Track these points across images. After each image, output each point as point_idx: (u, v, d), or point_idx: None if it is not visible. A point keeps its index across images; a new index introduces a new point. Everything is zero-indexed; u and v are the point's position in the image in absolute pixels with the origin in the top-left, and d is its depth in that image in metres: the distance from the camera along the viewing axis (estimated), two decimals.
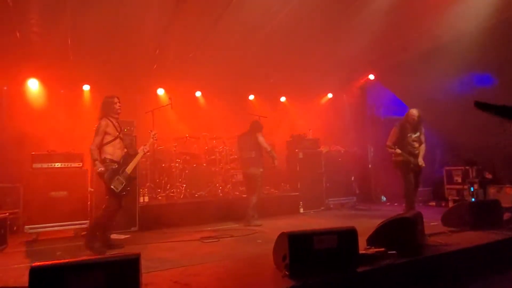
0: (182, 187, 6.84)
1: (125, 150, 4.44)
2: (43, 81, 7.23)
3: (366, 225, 5.03)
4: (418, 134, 5.84)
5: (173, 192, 6.79)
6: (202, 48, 6.96)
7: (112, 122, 4.31)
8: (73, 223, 5.11)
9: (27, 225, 4.87)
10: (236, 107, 9.03)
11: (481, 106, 1.18)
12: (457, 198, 7.14)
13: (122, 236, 5.07)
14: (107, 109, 4.37)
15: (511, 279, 3.44)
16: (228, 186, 7.27)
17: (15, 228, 5.37)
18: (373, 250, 3.20)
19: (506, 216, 4.96)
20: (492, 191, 6.53)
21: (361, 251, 3.07)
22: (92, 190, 5.31)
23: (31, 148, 5.51)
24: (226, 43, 6.88)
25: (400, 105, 8.18)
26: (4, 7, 5.04)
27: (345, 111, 10.13)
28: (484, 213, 4.67)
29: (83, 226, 5.16)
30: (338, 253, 2.79)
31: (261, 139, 5.98)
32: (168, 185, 6.91)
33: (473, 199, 6.49)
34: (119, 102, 4.44)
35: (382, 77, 8.83)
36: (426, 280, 3.07)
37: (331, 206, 7.64)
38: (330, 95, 10.16)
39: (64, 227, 5.05)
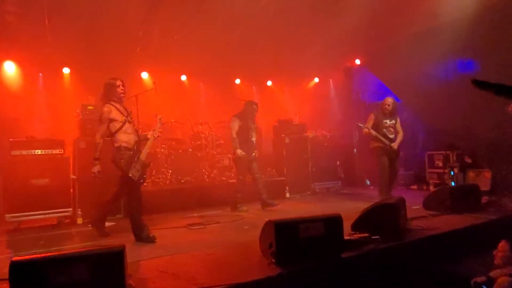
0: (168, 173, 6.79)
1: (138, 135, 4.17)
2: (20, 63, 6.93)
3: (351, 209, 5.14)
4: (393, 121, 6.12)
5: (158, 178, 6.73)
6: (187, 31, 6.78)
7: (115, 106, 3.99)
8: (55, 211, 5.01)
9: (7, 214, 4.75)
10: (222, 92, 8.93)
11: (479, 84, 1.17)
12: (438, 181, 7.31)
13: (107, 224, 5.00)
14: (108, 93, 4.04)
15: (488, 262, 3.57)
16: (214, 171, 7.25)
17: None
18: (357, 235, 3.27)
19: (484, 199, 5.13)
20: (471, 175, 6.71)
21: (346, 237, 3.13)
22: (75, 177, 5.21)
23: (9, 135, 5.34)
24: (211, 25, 6.72)
25: (386, 90, 8.22)
26: None
27: (331, 96, 10.14)
28: (463, 197, 4.83)
29: (65, 214, 5.09)
30: (324, 240, 2.83)
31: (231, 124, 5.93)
32: (154, 171, 6.84)
33: (453, 183, 6.66)
34: (122, 85, 4.08)
35: (368, 62, 8.84)
36: (409, 264, 3.16)
37: (317, 190, 7.73)
38: (316, 80, 10.14)
39: (46, 215, 4.96)
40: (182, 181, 6.79)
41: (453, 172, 6.75)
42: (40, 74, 7.26)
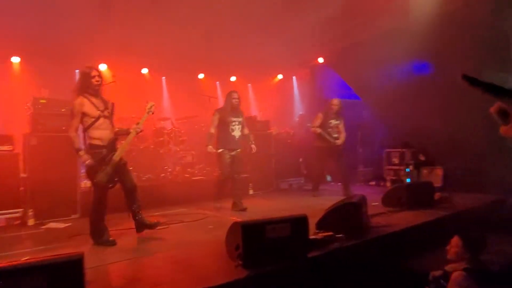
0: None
1: (116, 130, 3.82)
2: None
3: (314, 205, 5.27)
4: (338, 122, 6.49)
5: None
6: (148, 21, 6.51)
7: (89, 99, 3.62)
8: (3, 212, 4.64)
9: None
10: (185, 86, 8.73)
11: (469, 80, 1.19)
12: (394, 178, 7.66)
13: (62, 225, 4.74)
14: (82, 84, 3.65)
15: (443, 257, 3.80)
16: (177, 168, 7.08)
17: None
18: (322, 234, 3.33)
19: (436, 196, 5.45)
20: (424, 172, 7.10)
21: (311, 236, 3.18)
22: (25, 176, 4.85)
23: None
24: (174, 17, 6.51)
25: (347, 89, 8.46)
26: None
27: (294, 93, 10.27)
28: (419, 194, 5.11)
29: (15, 215, 4.73)
30: (290, 240, 2.85)
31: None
32: None
33: (408, 180, 7.02)
34: (98, 76, 3.67)
35: (330, 61, 9.02)
36: (372, 260, 3.27)
37: (280, 187, 7.82)
38: (280, 76, 10.21)
39: None
40: (143, 178, 6.57)
41: (409, 169, 7.11)
42: None
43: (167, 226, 4.49)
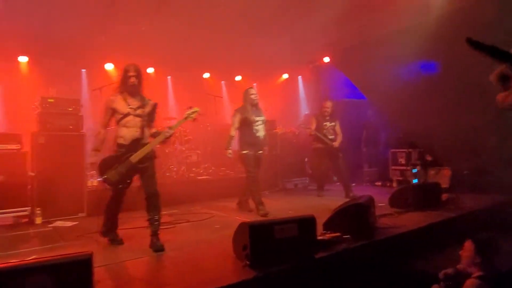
0: None
1: (153, 131, 3.67)
2: None
3: (320, 206, 5.26)
4: (333, 124, 6.57)
5: None
6: (153, 23, 6.52)
7: (123, 96, 3.57)
8: (11, 211, 4.66)
9: None
10: (190, 86, 8.73)
11: (473, 43, 1.17)
12: (400, 178, 7.62)
13: (69, 223, 4.76)
14: (121, 82, 3.61)
15: (448, 257, 3.76)
16: (183, 167, 7.09)
17: None
18: (329, 235, 3.32)
19: (444, 197, 5.40)
20: (432, 172, 7.04)
21: (318, 237, 3.17)
22: (33, 174, 4.88)
23: None
24: (180, 17, 6.51)
25: (354, 88, 8.42)
26: None
27: (300, 93, 10.24)
28: (426, 195, 5.06)
29: (23, 213, 4.75)
30: (298, 241, 2.84)
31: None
32: None
33: (415, 180, 6.97)
34: (135, 76, 3.58)
35: (336, 60, 8.98)
36: (380, 262, 3.25)
37: (286, 187, 7.80)
38: (285, 76, 10.18)
39: (1, 215, 4.61)
40: None
41: (416, 170, 7.05)
42: None
43: (173, 225, 4.50)
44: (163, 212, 5.23)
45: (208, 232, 4.19)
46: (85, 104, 5.61)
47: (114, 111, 3.57)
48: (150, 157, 3.60)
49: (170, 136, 3.63)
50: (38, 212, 4.81)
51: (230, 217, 4.97)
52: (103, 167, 3.46)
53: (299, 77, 10.29)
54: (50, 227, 4.62)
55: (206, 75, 9.49)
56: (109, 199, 3.60)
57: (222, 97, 9.15)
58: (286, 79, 10.22)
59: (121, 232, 3.83)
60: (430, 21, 6.18)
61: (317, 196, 6.55)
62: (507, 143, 5.60)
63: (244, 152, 5.10)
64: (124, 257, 3.16)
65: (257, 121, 5.20)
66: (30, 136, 5.04)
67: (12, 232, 4.39)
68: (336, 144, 6.39)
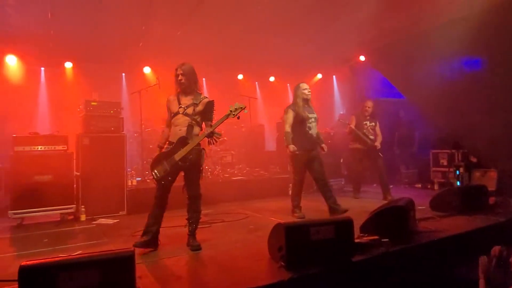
0: None
1: (200, 129, 3.67)
2: (22, 57, 6.85)
3: (356, 208, 5.13)
4: (373, 124, 6.43)
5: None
6: (189, 26, 6.68)
7: (178, 96, 3.65)
8: (58, 208, 4.95)
9: (10, 210, 4.70)
10: (225, 87, 8.85)
11: None
12: (442, 180, 7.27)
13: (111, 221, 4.98)
14: (175, 83, 3.68)
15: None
16: (218, 168, 7.20)
17: None
18: (367, 238, 3.23)
19: (491, 200, 5.09)
20: (476, 174, 6.66)
21: (356, 239, 3.09)
22: (78, 174, 5.15)
23: (12, 130, 5.27)
24: (213, 20, 6.63)
25: (390, 87, 8.16)
26: None
27: (334, 92, 10.07)
28: (471, 198, 4.78)
29: (69, 211, 5.03)
30: (334, 243, 2.79)
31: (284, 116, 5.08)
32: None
33: (458, 183, 6.63)
34: (181, 74, 3.60)
35: (372, 59, 8.75)
36: (419, 267, 3.12)
37: None
38: (319, 76, 10.05)
39: (49, 212, 4.90)
40: None
41: (459, 172, 6.71)
42: (42, 68, 7.18)
43: (209, 225, 4.58)
44: None
45: (243, 232, 4.22)
46: (125, 106, 5.83)
47: (169, 110, 3.70)
48: (195, 157, 3.59)
49: (213, 135, 3.55)
50: (83, 209, 5.08)
51: (264, 218, 4.97)
52: (154, 163, 3.57)
53: (334, 76, 10.12)
54: (94, 224, 4.86)
55: (240, 77, 9.59)
56: (154, 196, 3.65)
57: (256, 98, 9.20)
58: (320, 79, 10.09)
59: (160, 230, 3.92)
60: (472, 16, 5.87)
61: (353, 198, 6.41)
62: None
63: (296, 152, 4.88)
64: (162, 255, 3.26)
65: (310, 118, 5.00)
66: (75, 137, 5.34)
67: (59, 228, 4.67)
68: (377, 144, 6.24)
